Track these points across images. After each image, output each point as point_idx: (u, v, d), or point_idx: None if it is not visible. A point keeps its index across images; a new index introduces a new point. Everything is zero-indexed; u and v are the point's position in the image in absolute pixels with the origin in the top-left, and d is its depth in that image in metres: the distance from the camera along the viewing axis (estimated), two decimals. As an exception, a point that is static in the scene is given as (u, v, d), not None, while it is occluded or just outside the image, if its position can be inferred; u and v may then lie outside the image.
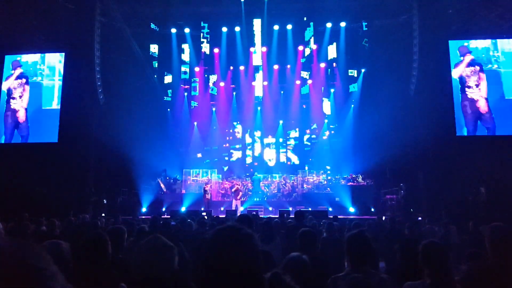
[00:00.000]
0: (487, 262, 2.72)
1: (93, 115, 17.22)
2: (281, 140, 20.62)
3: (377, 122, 16.98)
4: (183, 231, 6.15)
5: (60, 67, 17.76)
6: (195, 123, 20.50)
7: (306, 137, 20.61)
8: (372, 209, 15.70)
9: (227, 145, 20.74)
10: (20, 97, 17.63)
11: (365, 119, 18.23)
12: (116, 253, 3.25)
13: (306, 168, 19.36)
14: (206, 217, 11.55)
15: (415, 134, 16.14)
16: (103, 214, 13.23)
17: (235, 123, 20.84)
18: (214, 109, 20.70)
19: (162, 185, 17.62)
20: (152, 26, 19.21)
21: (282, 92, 20.56)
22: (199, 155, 20.21)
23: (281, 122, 20.49)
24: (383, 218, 11.03)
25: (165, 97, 20.26)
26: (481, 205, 13.81)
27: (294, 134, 20.72)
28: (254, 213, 12.27)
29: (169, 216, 13.18)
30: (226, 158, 20.50)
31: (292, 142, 20.70)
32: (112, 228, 3.56)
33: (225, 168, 19.98)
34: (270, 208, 16.52)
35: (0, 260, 0.69)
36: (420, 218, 11.49)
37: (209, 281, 1.22)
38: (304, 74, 20.27)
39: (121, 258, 3.39)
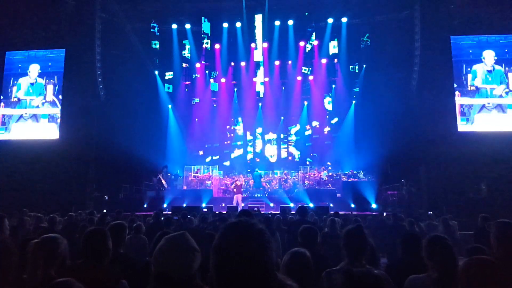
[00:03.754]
0: (487, 256, 2.71)
1: (94, 111, 17.21)
2: (282, 136, 20.60)
3: (379, 117, 16.94)
4: (184, 227, 6.15)
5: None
6: (196, 119, 20.48)
7: (307, 133, 20.59)
8: (374, 205, 15.69)
9: (228, 142, 20.72)
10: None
11: (367, 115, 18.18)
12: (118, 249, 3.25)
13: (308, 163, 19.35)
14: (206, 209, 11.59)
15: (417, 130, 16.10)
16: (104, 210, 13.23)
17: (237, 119, 20.79)
18: (215, 105, 20.67)
19: (163, 181, 17.62)
20: (153, 24, 19.13)
21: (283, 88, 20.51)
22: (201, 152, 20.22)
23: (282, 118, 20.45)
24: (384, 214, 11.03)
25: (166, 89, 20.20)
26: (482, 200, 13.80)
27: (295, 130, 20.69)
28: (256, 209, 12.26)
29: (170, 212, 13.19)
30: (227, 151, 20.45)
31: (293, 138, 20.68)
32: (113, 223, 3.55)
33: (226, 164, 19.97)
34: (271, 204, 16.52)
35: None
36: (430, 213, 11.48)
37: (220, 278, 1.20)
38: (305, 70, 20.21)
39: (122, 253, 3.39)
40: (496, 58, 16.50)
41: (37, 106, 17.56)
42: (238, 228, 1.26)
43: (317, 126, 20.39)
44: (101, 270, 2.50)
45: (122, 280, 2.49)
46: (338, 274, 2.37)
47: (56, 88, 17.64)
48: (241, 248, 1.19)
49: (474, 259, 2.05)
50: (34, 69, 17.79)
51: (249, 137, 20.77)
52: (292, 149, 20.55)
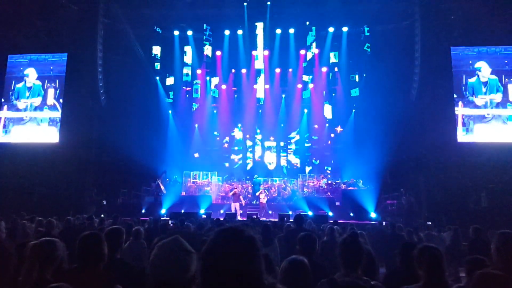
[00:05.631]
0: (491, 269, 2.70)
1: (94, 116, 17.22)
2: (282, 143, 20.58)
3: (378, 126, 16.95)
4: (180, 233, 6.12)
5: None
6: (196, 125, 20.49)
7: (307, 141, 20.56)
8: (373, 214, 15.62)
9: (227, 145, 20.68)
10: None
11: (366, 124, 18.19)
12: (114, 254, 3.22)
13: (308, 169, 19.30)
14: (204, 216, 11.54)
15: (416, 139, 16.11)
16: (102, 215, 13.18)
17: (237, 126, 20.79)
18: (215, 111, 20.70)
19: (162, 187, 17.57)
20: (155, 28, 19.26)
21: (283, 95, 20.56)
22: (196, 154, 20.05)
23: (282, 125, 20.47)
24: (384, 223, 10.97)
25: (166, 99, 20.28)
26: (482, 211, 13.76)
27: (295, 139, 20.66)
28: (254, 216, 12.22)
29: (168, 218, 13.13)
30: (227, 165, 20.31)
31: (293, 146, 20.66)
32: (111, 228, 3.53)
33: (225, 177, 19.74)
34: (270, 212, 16.45)
35: None
36: (429, 223, 11.48)
37: (207, 283, 1.19)
38: (306, 78, 20.28)
39: (120, 258, 3.36)
40: (491, 69, 16.58)
41: (38, 109, 17.58)
42: (227, 234, 1.25)
43: (317, 133, 20.37)
44: (96, 274, 2.47)
45: (117, 285, 2.47)
46: (322, 283, 2.34)
47: (57, 92, 17.68)
48: (228, 254, 1.19)
49: (486, 274, 2.04)
50: (31, 72, 17.85)
51: (248, 143, 20.76)
52: (291, 158, 20.53)
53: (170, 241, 1.65)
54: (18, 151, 16.56)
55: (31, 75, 17.83)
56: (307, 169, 19.72)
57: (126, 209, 15.25)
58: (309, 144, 20.30)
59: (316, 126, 20.24)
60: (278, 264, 3.36)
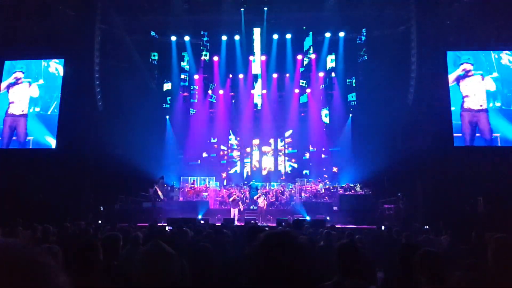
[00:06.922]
0: (485, 272, 2.70)
1: (91, 121, 17.17)
2: (281, 148, 20.59)
3: (375, 131, 16.99)
4: (178, 239, 6.09)
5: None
6: (194, 130, 20.48)
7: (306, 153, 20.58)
8: (371, 219, 15.59)
9: (225, 152, 20.69)
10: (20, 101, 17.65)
11: (363, 129, 18.24)
12: (111, 260, 3.21)
13: (306, 172, 19.30)
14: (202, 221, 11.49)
15: (413, 144, 16.15)
16: (99, 221, 13.11)
17: (234, 131, 20.80)
18: (212, 115, 20.73)
19: (159, 192, 17.51)
20: (152, 33, 19.32)
21: (280, 100, 20.62)
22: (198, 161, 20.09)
23: (280, 130, 20.50)
24: (383, 227, 10.96)
25: (164, 104, 20.29)
26: (479, 215, 13.77)
27: (291, 146, 20.66)
28: (253, 222, 12.19)
29: (166, 224, 13.08)
30: (224, 175, 20.31)
31: (290, 150, 20.67)
32: (108, 235, 3.52)
33: (224, 175, 19.82)
34: (268, 217, 16.41)
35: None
36: (427, 227, 11.48)
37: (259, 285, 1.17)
38: (303, 83, 20.35)
39: (117, 265, 3.34)
40: (488, 70, 16.69)
41: (35, 114, 17.52)
42: (280, 239, 1.24)
43: (317, 141, 20.41)
44: (91, 281, 2.46)
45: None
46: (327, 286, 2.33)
47: (54, 97, 17.63)
48: (283, 260, 1.17)
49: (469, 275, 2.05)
50: (20, 76, 17.82)
51: (246, 149, 20.77)
52: (289, 163, 20.53)
53: (150, 246, 1.65)
54: (15, 157, 16.48)
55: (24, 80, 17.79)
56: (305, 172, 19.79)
57: (123, 215, 15.16)
58: (307, 152, 20.30)
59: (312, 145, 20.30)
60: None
